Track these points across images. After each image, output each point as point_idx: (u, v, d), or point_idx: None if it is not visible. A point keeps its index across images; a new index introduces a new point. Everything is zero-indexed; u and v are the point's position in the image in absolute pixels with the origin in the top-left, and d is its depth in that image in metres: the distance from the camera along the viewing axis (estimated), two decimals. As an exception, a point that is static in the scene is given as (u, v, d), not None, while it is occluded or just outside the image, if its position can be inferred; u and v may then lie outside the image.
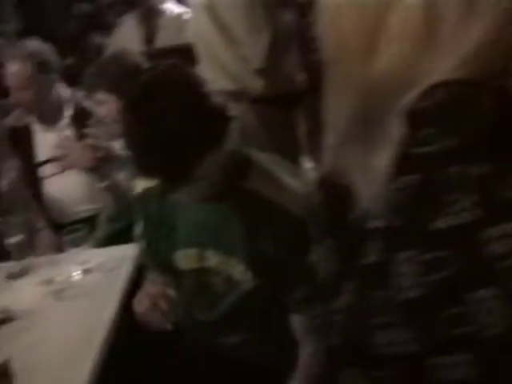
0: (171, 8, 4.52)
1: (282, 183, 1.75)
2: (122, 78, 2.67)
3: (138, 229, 2.02)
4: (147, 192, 1.93)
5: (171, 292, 1.75)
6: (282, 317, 1.83)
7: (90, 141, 2.64)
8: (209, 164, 1.65)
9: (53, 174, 3.16)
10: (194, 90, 1.62)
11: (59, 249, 2.66)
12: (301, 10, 2.69)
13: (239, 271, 1.81)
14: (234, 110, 1.73)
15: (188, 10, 4.39)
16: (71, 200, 3.18)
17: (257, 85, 2.80)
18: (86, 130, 2.78)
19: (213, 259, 1.86)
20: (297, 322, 1.80)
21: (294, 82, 2.87)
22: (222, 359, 1.96)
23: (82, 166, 2.70)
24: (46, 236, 3.03)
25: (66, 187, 3.10)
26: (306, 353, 1.78)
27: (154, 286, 1.83)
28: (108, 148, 2.68)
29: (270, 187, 1.74)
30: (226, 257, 1.83)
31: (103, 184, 2.69)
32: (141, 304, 1.78)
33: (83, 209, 3.17)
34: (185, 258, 1.91)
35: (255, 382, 1.90)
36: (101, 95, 2.73)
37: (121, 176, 2.71)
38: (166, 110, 1.55)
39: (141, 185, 1.96)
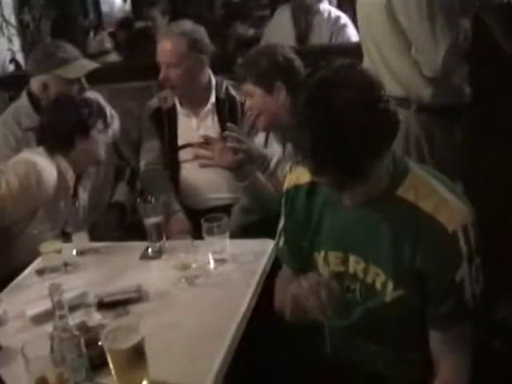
0: (328, 10, 4.49)
1: (438, 197, 1.68)
2: (272, 72, 2.65)
3: (280, 224, 1.99)
4: (296, 188, 1.90)
5: (335, 285, 1.69)
6: (418, 333, 1.78)
7: (231, 143, 2.65)
8: (378, 167, 1.62)
9: (191, 160, 3.18)
10: (372, 89, 1.58)
11: (192, 235, 2.66)
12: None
13: (381, 281, 1.76)
14: (400, 115, 1.66)
15: (343, 14, 4.37)
16: (207, 187, 3.20)
17: (425, 93, 2.72)
18: (229, 125, 2.77)
19: (355, 265, 1.81)
20: (436, 338, 1.74)
21: (461, 94, 2.78)
22: (345, 368, 1.91)
23: (222, 166, 2.71)
24: (179, 220, 3.06)
25: (203, 174, 3.11)
26: (445, 371, 1.73)
27: (317, 275, 1.78)
28: (248, 149, 2.67)
29: (425, 199, 1.67)
30: (369, 264, 1.78)
31: (242, 184, 2.69)
32: (300, 288, 1.68)
33: (219, 197, 3.18)
34: (326, 260, 1.86)
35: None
36: (249, 87, 2.72)
37: (260, 176, 2.71)
38: (345, 107, 1.52)
39: (291, 181, 1.92)
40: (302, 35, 4.43)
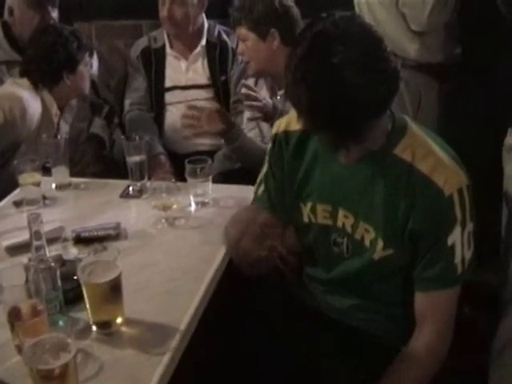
0: None
1: (435, 158, 1.64)
2: (267, 18, 2.61)
3: (262, 172, 1.95)
4: (286, 134, 1.84)
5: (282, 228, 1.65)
6: (402, 290, 1.77)
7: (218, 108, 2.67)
8: (376, 126, 1.58)
9: (176, 102, 3.15)
10: (372, 46, 1.50)
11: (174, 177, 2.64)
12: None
13: (370, 238, 1.73)
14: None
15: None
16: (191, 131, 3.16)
17: (411, 49, 2.69)
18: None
19: (344, 219, 1.77)
20: (420, 299, 1.71)
21: (450, 54, 2.75)
22: (320, 319, 1.91)
23: (211, 133, 2.72)
24: (161, 162, 3.03)
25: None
26: (424, 333, 1.70)
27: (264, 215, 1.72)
28: (265, 106, 2.67)
29: (422, 160, 1.63)
30: (358, 220, 1.74)
31: (231, 146, 2.69)
32: (248, 234, 1.67)
33: (202, 142, 3.16)
34: (314, 212, 1.83)
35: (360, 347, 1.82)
36: (242, 31, 2.67)
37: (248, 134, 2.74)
38: (343, 63, 1.44)
39: (280, 126, 1.87)
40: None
